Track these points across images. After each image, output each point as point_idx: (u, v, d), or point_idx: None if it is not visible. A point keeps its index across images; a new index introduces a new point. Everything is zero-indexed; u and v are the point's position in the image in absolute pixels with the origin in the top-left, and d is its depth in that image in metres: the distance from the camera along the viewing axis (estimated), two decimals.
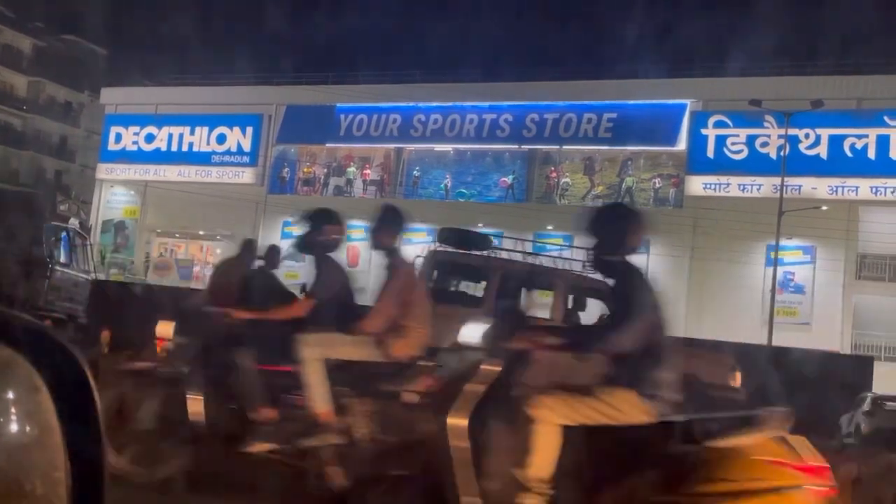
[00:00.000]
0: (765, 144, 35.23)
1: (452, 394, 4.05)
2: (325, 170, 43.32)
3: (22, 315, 1.47)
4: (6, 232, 17.65)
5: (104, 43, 61.63)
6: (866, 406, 19.95)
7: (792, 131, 31.60)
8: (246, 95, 43.95)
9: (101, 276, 29.48)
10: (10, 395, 1.42)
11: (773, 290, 30.29)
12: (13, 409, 1.42)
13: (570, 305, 11.66)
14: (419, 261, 11.29)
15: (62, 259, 18.37)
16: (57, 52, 59.08)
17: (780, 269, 31.59)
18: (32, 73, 58.41)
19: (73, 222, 18.99)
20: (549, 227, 38.32)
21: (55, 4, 58.69)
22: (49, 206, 18.54)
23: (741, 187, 35.36)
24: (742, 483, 3.68)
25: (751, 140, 35.60)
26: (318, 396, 5.29)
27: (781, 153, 31.27)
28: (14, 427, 1.41)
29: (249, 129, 43.71)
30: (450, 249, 12.06)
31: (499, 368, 4.01)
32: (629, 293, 4.04)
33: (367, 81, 41.99)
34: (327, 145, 43.00)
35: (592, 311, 11.12)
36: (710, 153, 36.26)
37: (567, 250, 16.47)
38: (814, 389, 20.11)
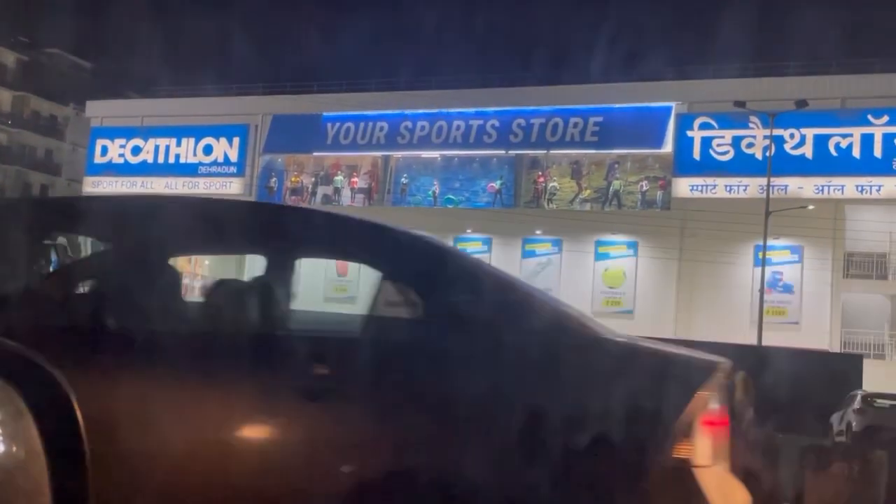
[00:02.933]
0: (750, 145, 35.37)
1: None
2: (313, 179, 43.25)
3: (5, 340, 1.46)
4: None
5: (88, 56, 61.54)
6: (857, 404, 20.00)
7: (777, 132, 31.71)
8: (232, 106, 43.86)
9: None
10: None
11: (761, 290, 30.37)
12: None
13: None
14: None
15: None
16: (41, 66, 58.87)
17: (768, 269, 31.68)
18: (17, 88, 58.18)
19: (61, 238, 18.90)
20: (538, 232, 38.37)
21: (39, 18, 58.54)
22: None
23: (728, 188, 35.48)
24: None
25: (736, 141, 35.74)
26: None
27: (767, 153, 31.37)
28: None
29: (236, 140, 43.62)
30: None
31: None
32: None
33: (352, 89, 41.98)
34: (314, 154, 42.94)
35: None
36: (697, 155, 36.38)
37: None
38: (804, 388, 20.22)
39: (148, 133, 45.22)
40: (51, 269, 19.05)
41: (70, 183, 55.61)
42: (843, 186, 34.10)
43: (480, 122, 40.03)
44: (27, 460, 1.40)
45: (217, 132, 43.89)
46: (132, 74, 53.29)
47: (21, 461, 1.41)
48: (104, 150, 46.10)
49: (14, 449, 1.42)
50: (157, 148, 44.99)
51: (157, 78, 47.57)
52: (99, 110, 47.65)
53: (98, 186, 46.18)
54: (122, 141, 45.73)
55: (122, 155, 45.68)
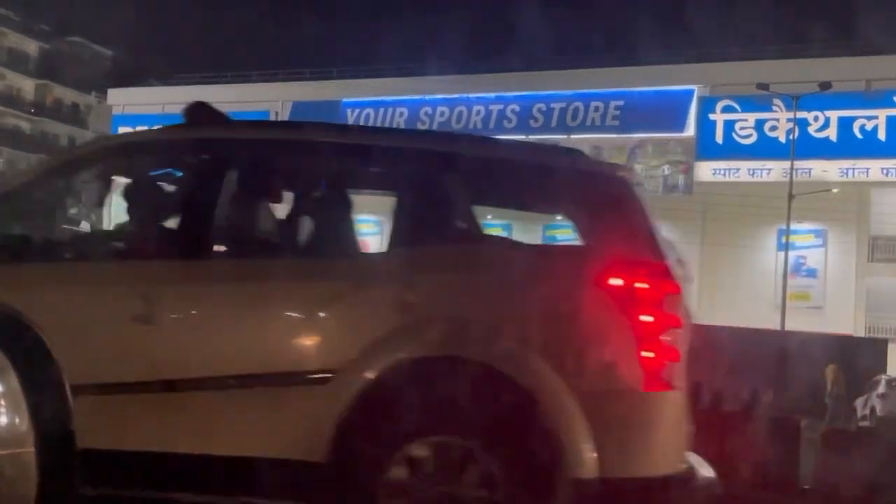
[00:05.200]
0: (773, 128, 35.01)
1: None
2: None
3: None
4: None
5: (110, 44, 61.80)
6: (881, 388, 19.90)
7: (801, 114, 31.39)
8: (252, 92, 43.93)
9: None
10: None
11: (785, 275, 30.14)
12: None
13: None
14: None
15: None
16: (63, 55, 59.23)
17: (791, 254, 31.42)
18: (39, 76, 58.59)
19: (84, 225, 19.02)
20: (559, 218, 38.15)
21: (60, 7, 58.87)
22: (59, 208, 18.56)
23: (751, 172, 35.17)
24: None
25: (759, 124, 35.39)
26: None
27: (791, 137, 31.08)
28: None
29: None
30: None
31: None
32: None
33: (372, 75, 41.90)
34: None
35: None
36: (719, 138, 36.07)
37: None
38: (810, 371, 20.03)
39: (169, 120, 45.29)
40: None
41: None
42: (867, 169, 33.71)
43: (500, 106, 39.88)
44: (9, 416, 1.38)
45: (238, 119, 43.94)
46: (153, 62, 53.52)
47: (3, 417, 1.39)
48: None
49: (9, 420, 1.41)
50: None
51: (178, 65, 47.76)
52: (120, 98, 47.90)
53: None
54: (144, 128, 45.86)
55: None
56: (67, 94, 59.91)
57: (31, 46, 58.62)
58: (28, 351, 1.38)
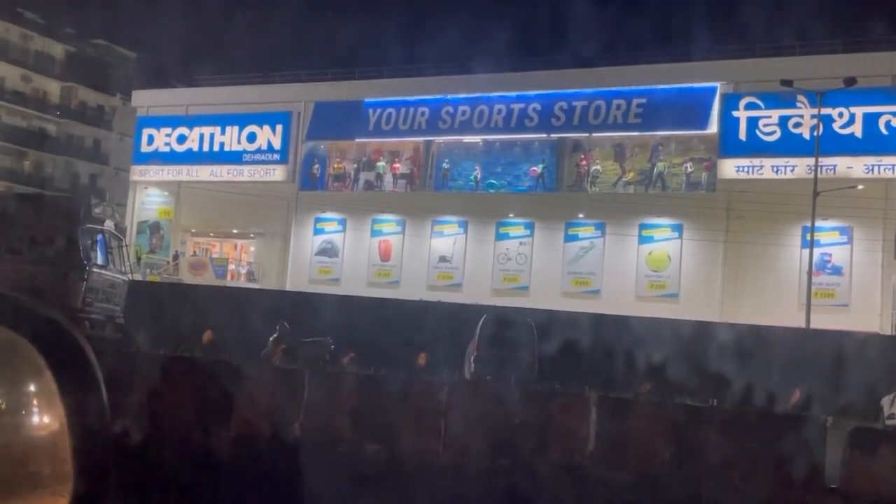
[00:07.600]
0: (798, 125, 34.74)
1: None
2: (355, 165, 43.42)
3: (24, 299, 1.49)
4: (44, 236, 17.92)
5: (134, 46, 62.39)
6: None
7: (825, 110, 31.11)
8: (275, 93, 44.16)
9: (137, 277, 29.82)
10: (14, 376, 1.44)
11: (809, 272, 29.90)
12: (17, 391, 1.44)
13: None
14: None
15: (99, 261, 18.60)
16: (88, 57, 59.84)
17: (816, 251, 31.17)
18: (64, 79, 59.24)
19: (109, 224, 19.22)
20: (581, 216, 38.13)
21: (85, 10, 59.45)
22: (84, 209, 18.77)
23: (775, 169, 34.92)
24: None
25: (783, 121, 35.13)
26: None
27: (815, 133, 30.81)
28: (18, 408, 1.43)
29: (279, 127, 43.92)
30: None
31: None
32: None
33: (393, 75, 42.00)
34: (356, 140, 43.09)
35: None
36: (743, 135, 35.83)
37: None
38: (854, 371, 19.91)
39: (193, 122, 45.72)
40: (98, 253, 19.19)
41: (117, 172, 56.53)
42: (893, 166, 33.37)
43: (522, 105, 39.83)
44: (46, 417, 1.42)
45: (260, 120, 44.23)
46: (177, 64, 53.98)
47: (40, 418, 1.43)
48: (150, 139, 46.71)
49: (32, 406, 1.45)
50: (201, 136, 45.47)
51: (201, 67, 48.08)
52: (144, 100, 48.28)
53: (145, 175, 46.88)
54: (168, 130, 46.28)
55: (167, 143, 46.24)
56: (92, 97, 60.52)
57: (57, 50, 59.25)
58: (65, 352, 1.41)
